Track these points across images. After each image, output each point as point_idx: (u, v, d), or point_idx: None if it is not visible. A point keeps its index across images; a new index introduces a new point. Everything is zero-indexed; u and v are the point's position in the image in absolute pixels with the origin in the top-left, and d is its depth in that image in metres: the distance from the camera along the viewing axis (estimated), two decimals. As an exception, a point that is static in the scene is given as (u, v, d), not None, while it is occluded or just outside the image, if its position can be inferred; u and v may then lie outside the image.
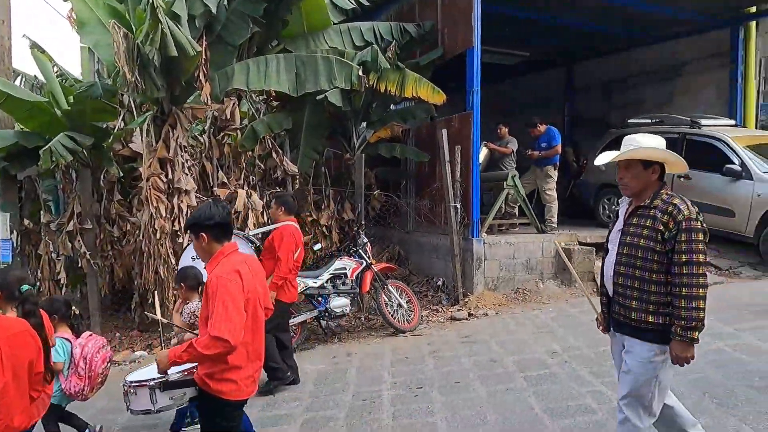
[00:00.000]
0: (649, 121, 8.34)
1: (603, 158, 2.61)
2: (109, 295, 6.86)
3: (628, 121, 8.75)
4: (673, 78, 10.02)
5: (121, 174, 6.53)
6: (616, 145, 8.50)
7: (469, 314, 6.14)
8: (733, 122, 8.04)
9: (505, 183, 7.06)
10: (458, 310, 6.30)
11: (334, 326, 5.88)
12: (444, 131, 6.70)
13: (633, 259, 2.41)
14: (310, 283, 5.54)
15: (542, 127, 7.38)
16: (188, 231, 2.59)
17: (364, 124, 7.74)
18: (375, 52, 6.55)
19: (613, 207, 8.39)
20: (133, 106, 6.25)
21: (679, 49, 9.73)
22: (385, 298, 5.81)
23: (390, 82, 6.66)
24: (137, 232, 5.95)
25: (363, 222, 6.88)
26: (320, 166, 7.63)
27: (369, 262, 5.85)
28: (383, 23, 7.63)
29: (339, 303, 5.60)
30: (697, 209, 2.36)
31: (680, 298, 2.28)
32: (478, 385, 4.12)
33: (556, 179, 7.36)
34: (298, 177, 6.95)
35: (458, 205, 6.59)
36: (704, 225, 2.35)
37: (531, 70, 11.85)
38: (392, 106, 8.34)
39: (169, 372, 2.47)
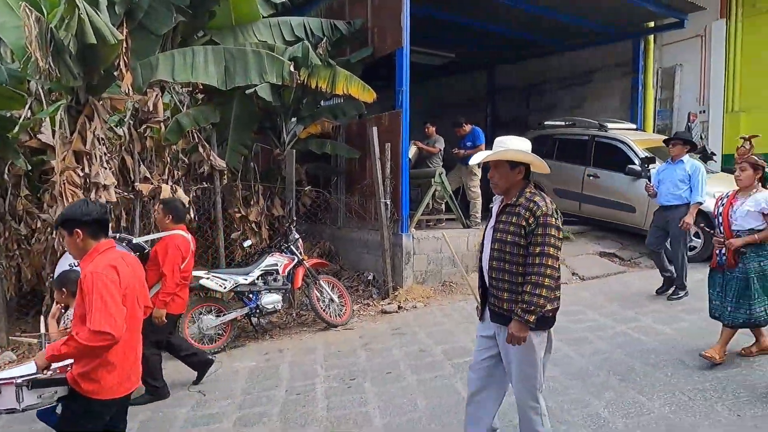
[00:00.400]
0: (562, 123, 8.97)
1: (476, 158, 2.81)
2: (16, 298, 6.36)
3: (544, 123, 9.37)
4: (584, 84, 10.83)
5: (29, 167, 6.06)
6: (534, 145, 9.02)
7: (399, 307, 6.33)
8: (634, 126, 8.85)
9: (432, 180, 7.32)
10: (388, 303, 6.47)
11: (265, 323, 5.84)
12: (374, 129, 6.83)
13: (503, 253, 2.58)
14: (241, 280, 5.47)
15: (467, 127, 7.72)
16: (61, 227, 2.45)
17: (294, 119, 7.70)
18: (306, 48, 6.54)
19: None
20: (41, 94, 5.82)
21: (590, 57, 10.53)
22: (317, 294, 5.85)
23: (321, 78, 6.68)
24: (48, 229, 5.56)
25: (294, 218, 6.86)
26: (249, 161, 7.50)
27: (301, 258, 5.87)
28: (314, 19, 7.62)
29: (270, 299, 5.58)
30: (554, 207, 2.57)
31: (527, 284, 2.49)
32: (409, 374, 4.30)
33: (480, 177, 7.73)
34: (226, 172, 6.80)
35: (388, 201, 6.76)
36: (558, 222, 2.54)
37: (458, 71, 12.29)
38: (323, 103, 8.36)
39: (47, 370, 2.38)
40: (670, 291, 5.68)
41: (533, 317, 2.47)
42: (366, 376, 4.36)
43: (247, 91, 6.51)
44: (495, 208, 2.73)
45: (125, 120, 6.25)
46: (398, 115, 6.83)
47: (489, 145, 8.41)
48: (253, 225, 7.05)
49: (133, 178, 6.08)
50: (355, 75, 6.97)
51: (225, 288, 5.38)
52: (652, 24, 9.32)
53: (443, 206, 7.89)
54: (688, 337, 4.47)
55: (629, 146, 7.62)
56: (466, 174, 7.76)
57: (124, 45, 5.36)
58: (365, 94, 6.88)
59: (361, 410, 3.74)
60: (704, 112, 11.46)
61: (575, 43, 10.26)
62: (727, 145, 11.20)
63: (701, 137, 10.92)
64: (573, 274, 6.99)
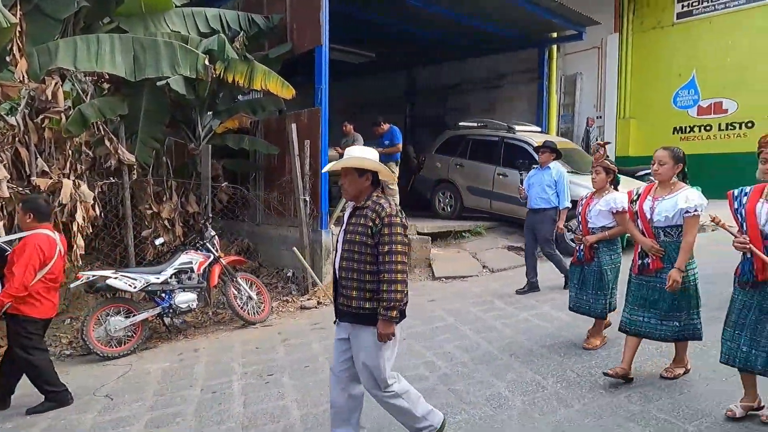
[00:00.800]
0: (475, 124, 9.46)
1: (328, 166, 3.00)
2: None
3: (459, 123, 9.82)
4: (496, 87, 11.47)
5: None
6: (449, 145, 9.47)
7: (319, 302, 6.40)
8: (539, 129, 9.51)
9: (352, 177, 7.44)
10: (308, 299, 6.52)
11: (180, 323, 5.67)
12: (293, 125, 6.83)
13: (352, 253, 2.71)
14: (152, 279, 5.28)
15: (385, 126, 7.93)
16: None
17: (210, 113, 7.50)
18: (222, 41, 6.40)
19: (447, 200, 9.41)
20: None
21: (501, 63, 11.17)
22: (235, 291, 5.78)
23: (238, 73, 6.57)
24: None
25: (210, 215, 6.71)
26: (161, 155, 7.20)
27: (217, 255, 5.76)
28: (230, 11, 7.45)
29: (184, 298, 5.43)
30: (399, 208, 2.76)
31: (383, 283, 2.63)
32: (327, 367, 4.37)
33: (398, 174, 7.97)
34: (135, 167, 6.49)
35: (307, 198, 6.80)
36: (404, 220, 2.72)
37: (379, 71, 12.52)
38: (240, 97, 8.20)
39: None
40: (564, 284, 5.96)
41: (395, 312, 2.63)
42: (284, 371, 4.40)
43: (158, 83, 6.26)
44: (346, 213, 2.87)
45: (19, 109, 5.78)
46: (317, 113, 6.87)
47: (405, 143, 8.49)
48: (166, 222, 6.79)
49: (29, 171, 5.65)
50: (274, 70, 6.92)
51: (135, 288, 5.18)
52: (555, 34, 10.05)
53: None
54: (581, 321, 4.93)
55: (534, 147, 8.19)
56: (384, 171, 7.96)
57: (18, 29, 4.97)
58: (284, 90, 6.86)
59: (279, 404, 3.79)
60: (600, 117, 12.58)
61: (488, 48, 10.84)
62: (620, 148, 12.37)
63: (597, 140, 11.97)
64: (483, 267, 7.42)
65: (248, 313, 5.81)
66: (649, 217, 3.49)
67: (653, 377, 3.67)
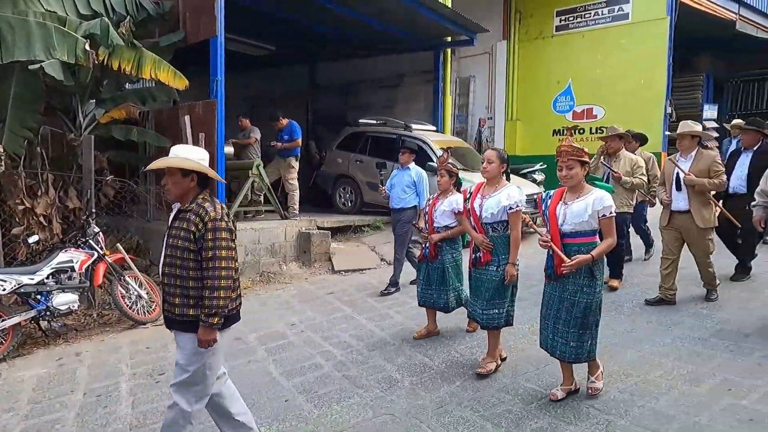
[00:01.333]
0: (375, 122, 9.72)
1: (150, 165, 2.88)
2: None
3: (360, 120, 10.04)
4: (395, 86, 11.84)
5: None
6: (349, 141, 9.65)
7: (216, 299, 6.26)
8: (435, 128, 10.00)
9: (250, 172, 7.35)
10: (204, 296, 6.35)
11: (59, 326, 5.28)
12: (187, 117, 6.60)
13: (174, 258, 2.62)
14: (25, 280, 4.87)
15: (284, 121, 7.91)
16: None
17: (92, 101, 6.98)
18: (106, 25, 6.00)
19: (348, 196, 9.59)
20: None
21: (401, 63, 11.54)
22: (122, 291, 5.49)
23: (124, 60, 6.20)
24: None
25: (93, 210, 6.26)
26: (35, 146, 6.58)
27: (102, 253, 5.43)
28: (115, -6, 6.98)
29: (64, 300, 5.06)
30: (225, 211, 2.66)
31: (205, 290, 2.57)
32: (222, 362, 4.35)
33: (298, 169, 7.99)
34: (3, 158, 5.88)
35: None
36: (230, 224, 2.65)
37: (279, 64, 12.36)
38: (128, 85, 7.72)
39: None
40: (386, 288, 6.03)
41: (217, 319, 2.57)
42: (176, 369, 4.30)
43: (30, 67, 5.72)
44: (171, 215, 2.77)
45: None
46: (213, 105, 6.69)
47: (306, 138, 8.50)
48: (41, 218, 6.23)
49: None
50: (165, 59, 6.62)
51: (4, 290, 4.74)
52: (449, 39, 10.60)
53: (261, 198, 7.96)
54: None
55: (429, 145, 8.64)
56: (284, 166, 7.95)
57: None
58: (177, 80, 6.58)
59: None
60: (491, 118, 13.50)
61: (388, 48, 11.15)
62: (508, 147, 13.33)
63: (487, 140, 12.86)
64: (382, 259, 7.69)
65: (138, 313, 5.55)
66: (478, 213, 3.75)
67: (522, 353, 4.11)
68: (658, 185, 5.18)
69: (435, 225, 4.48)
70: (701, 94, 15.14)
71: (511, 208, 3.64)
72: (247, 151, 7.93)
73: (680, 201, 4.80)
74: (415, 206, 6.03)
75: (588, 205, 3.14)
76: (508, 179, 3.87)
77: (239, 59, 9.68)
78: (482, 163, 3.77)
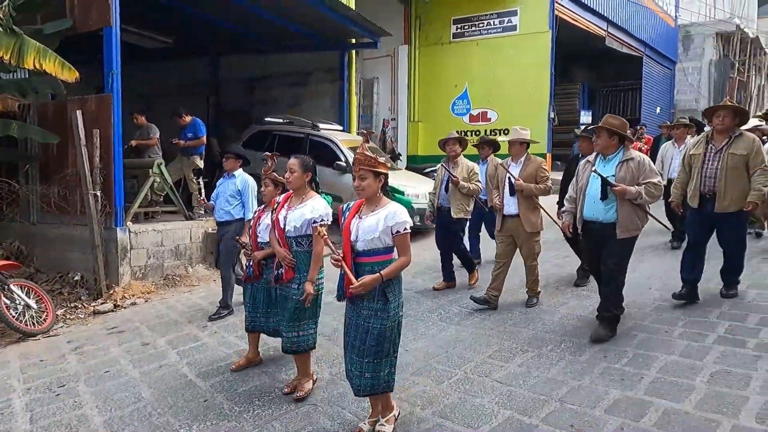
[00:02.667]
0: (282, 120, 9.68)
1: None
2: None
3: (266, 119, 9.93)
4: (302, 84, 11.84)
5: None
6: (255, 139, 9.52)
7: (116, 306, 5.92)
8: (341, 127, 10.18)
9: (151, 171, 7.00)
10: (102, 303, 5.98)
11: (-72, 344, 4.69)
12: (78, 112, 6.15)
13: None
14: None
15: (188, 118, 7.62)
16: None
17: (-39, 92, 6.23)
18: (-22, 7, 5.41)
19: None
20: None
21: (307, 61, 11.55)
22: (6, 301, 5.01)
23: (3, 48, 5.62)
24: None
25: (-34, 213, 5.63)
26: None
27: (-20, 260, 4.91)
28: (-12, -27, 6.29)
29: (-65, 314, 4.51)
30: None
31: None
32: (131, 369, 4.18)
33: (202, 168, 7.74)
34: None
35: (98, 193, 6.19)
36: None
37: (179, 57, 11.78)
38: (3, 75, 6.98)
39: None
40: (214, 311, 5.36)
41: None
42: (79, 379, 4.05)
43: None
44: None
45: None
46: (108, 100, 6.29)
47: (210, 136, 8.31)
48: None
49: None
50: (51, 48, 6.09)
51: None
52: (354, 40, 10.83)
53: (163, 198, 7.61)
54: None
55: (337, 145, 8.80)
56: (187, 165, 7.66)
57: None
58: (65, 72, 6.08)
59: (76, 413, 3.51)
60: (395, 119, 13.98)
61: (294, 45, 11.12)
62: (410, 148, 13.91)
63: (391, 140, 13.30)
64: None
65: (26, 324, 5.09)
66: (282, 226, 3.41)
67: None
68: (494, 189, 5.14)
69: (259, 240, 3.94)
70: (578, 101, 16.91)
71: (315, 222, 3.28)
72: (148, 151, 7.52)
73: (511, 206, 4.92)
74: (241, 218, 5.18)
75: (380, 220, 2.78)
76: (317, 189, 3.52)
77: (134, 51, 9.12)
78: (285, 173, 3.43)
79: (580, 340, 4.14)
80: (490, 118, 13.13)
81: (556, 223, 5.04)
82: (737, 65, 19.65)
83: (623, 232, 3.97)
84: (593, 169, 4.09)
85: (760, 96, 21.66)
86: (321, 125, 9.28)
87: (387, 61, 13.76)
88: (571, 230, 4.37)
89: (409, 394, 3.49)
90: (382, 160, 2.83)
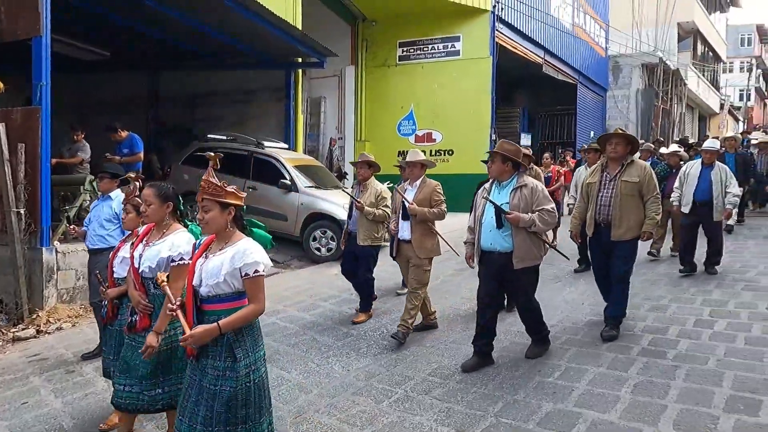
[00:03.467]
0: (224, 138, 9.51)
1: None
2: None
3: (208, 135, 9.73)
4: (247, 102, 11.70)
5: None
6: (197, 156, 9.24)
7: (38, 331, 5.55)
8: (287, 146, 10.11)
9: (82, 188, 6.67)
10: (23, 329, 5.58)
11: None
12: (2, 126, 5.79)
13: None
14: None
15: (123, 133, 7.34)
16: None
17: None
18: None
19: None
20: None
21: (252, 78, 11.45)
22: None
23: None
24: None
25: None
26: None
27: None
28: None
29: None
30: None
31: None
32: (52, 399, 3.91)
33: (139, 186, 7.44)
34: None
35: (22, 211, 5.83)
36: None
37: (116, 70, 11.38)
38: None
39: None
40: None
41: None
42: (-8, 412, 3.74)
43: None
44: None
45: None
46: (36, 113, 5.97)
47: (149, 152, 8.07)
48: None
49: None
50: (-28, 57, 5.75)
51: None
52: (300, 59, 10.86)
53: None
54: (323, 318, 5.53)
55: (282, 163, 8.73)
56: (123, 182, 7.35)
57: None
58: (-11, 82, 5.76)
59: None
60: (342, 138, 14.04)
61: (239, 63, 11.01)
62: (358, 166, 13.95)
63: (338, 159, 13.34)
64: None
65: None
66: (137, 265, 2.93)
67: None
68: (391, 213, 5.03)
69: (116, 276, 3.31)
70: (519, 124, 17.63)
71: (173, 261, 2.80)
72: (75, 168, 7.18)
73: (405, 230, 4.70)
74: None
75: (225, 261, 2.36)
76: (182, 221, 3.06)
77: (68, 63, 8.75)
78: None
79: (516, 355, 4.26)
80: (435, 139, 13.45)
81: (452, 249, 5.13)
82: (661, 94, 21.19)
83: (520, 261, 3.84)
84: (484, 196, 3.98)
85: (681, 123, 23.42)
86: (266, 143, 9.19)
87: (334, 80, 13.85)
88: (472, 262, 4.18)
89: (348, 414, 3.47)
90: (231, 189, 2.43)
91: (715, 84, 30.63)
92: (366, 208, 5.15)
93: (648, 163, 4.74)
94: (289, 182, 8.46)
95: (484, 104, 12.91)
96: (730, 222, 8.56)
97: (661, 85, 21.12)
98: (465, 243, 4.29)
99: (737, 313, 4.90)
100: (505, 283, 4.04)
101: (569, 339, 4.51)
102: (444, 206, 4.72)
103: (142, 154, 7.42)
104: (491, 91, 12.90)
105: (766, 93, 46.30)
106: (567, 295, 5.85)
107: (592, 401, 3.39)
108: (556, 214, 3.97)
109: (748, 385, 3.47)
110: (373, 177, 5.44)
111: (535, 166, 6.77)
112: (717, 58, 30.90)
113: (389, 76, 13.83)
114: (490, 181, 4.13)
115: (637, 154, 4.99)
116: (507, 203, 3.88)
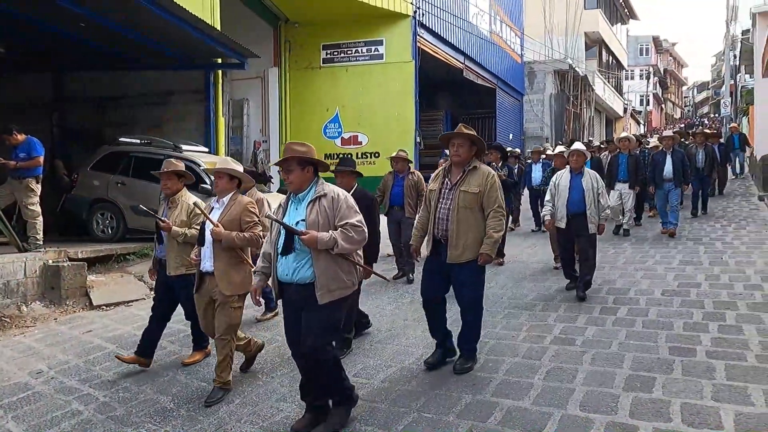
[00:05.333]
0: (138, 141, 9.02)
1: None
2: None
3: (120, 139, 9.18)
4: (163, 104, 11.13)
5: None
6: (108, 161, 8.76)
7: None
8: (207, 150, 9.74)
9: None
10: None
11: None
12: None
13: None
14: None
15: (20, 137, 6.75)
16: None
17: None
18: None
19: (108, 222, 8.61)
20: None
21: (170, 79, 10.91)
22: None
23: None
24: None
25: None
26: None
27: None
28: None
29: None
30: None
31: None
32: None
33: (39, 192, 6.88)
34: None
35: None
36: None
37: (13, 69, 10.44)
38: None
39: None
40: None
41: None
42: None
43: None
44: None
45: None
46: None
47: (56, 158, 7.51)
48: None
49: None
50: None
51: None
52: (220, 60, 10.51)
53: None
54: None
55: (201, 167, 8.39)
56: (20, 189, 6.75)
57: None
58: None
59: None
60: (266, 141, 13.76)
61: (154, 63, 10.46)
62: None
63: (263, 162, 13.06)
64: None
65: None
66: None
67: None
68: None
69: None
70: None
71: None
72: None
73: (206, 260, 3.69)
74: None
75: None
76: None
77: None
78: None
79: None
80: (361, 142, 13.53)
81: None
82: (572, 99, 22.65)
83: (326, 294, 2.98)
84: (267, 214, 3.28)
85: (591, 125, 25.16)
86: (184, 147, 8.80)
87: (257, 82, 13.56)
88: (258, 298, 3.29)
89: (272, 422, 3.41)
90: None
91: (619, 90, 33.21)
92: (174, 228, 4.01)
93: (492, 171, 3.83)
94: (209, 187, 8.15)
95: (409, 107, 13.16)
96: (625, 226, 8.88)
97: (571, 90, 22.59)
98: (254, 272, 3.31)
99: (636, 300, 5.34)
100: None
101: (489, 332, 4.70)
102: (258, 228, 3.72)
103: (41, 159, 6.85)
104: (415, 94, 13.18)
105: (662, 98, 50.87)
106: (487, 290, 6.09)
107: (508, 390, 3.56)
108: (364, 228, 3.07)
109: (644, 365, 3.79)
110: (185, 189, 4.30)
111: (416, 171, 7.12)
112: (620, 65, 33.52)
113: (314, 78, 13.75)
114: (288, 194, 3.21)
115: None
116: (303, 220, 3.03)
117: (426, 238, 3.95)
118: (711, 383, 3.44)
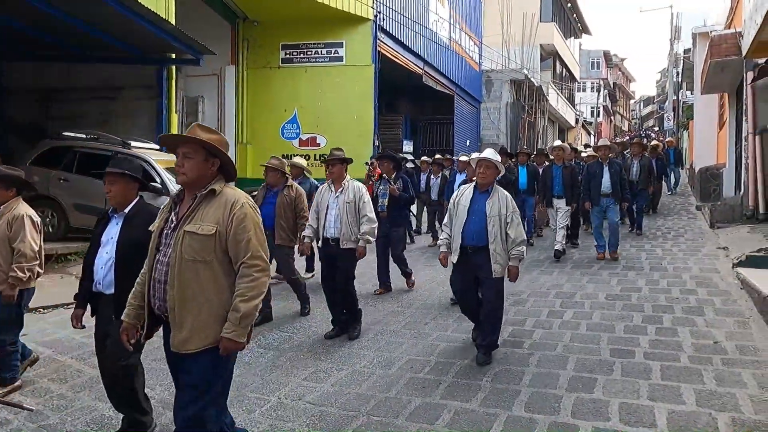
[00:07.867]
0: (84, 136, 8.64)
1: None
2: None
3: (64, 133, 8.76)
4: (113, 99, 10.70)
5: None
6: (49, 156, 8.33)
7: None
8: (158, 147, 9.43)
9: None
10: None
11: None
12: None
13: None
14: None
15: (-48, 128, 6.34)
16: None
17: None
18: None
19: (48, 220, 8.18)
20: None
21: (119, 73, 10.50)
22: None
23: None
24: None
25: None
26: None
27: None
28: None
29: None
30: None
31: None
32: None
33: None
34: None
35: None
36: None
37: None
38: None
39: None
40: None
41: None
42: None
43: None
44: None
45: None
46: None
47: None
48: None
49: None
50: None
51: None
52: (174, 55, 10.21)
53: None
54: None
55: (151, 164, 8.11)
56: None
57: None
58: None
59: None
60: (222, 140, 13.46)
61: (103, 56, 10.04)
62: (239, 170, 13.47)
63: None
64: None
65: None
66: None
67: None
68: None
69: None
70: (401, 131, 18.27)
71: None
72: None
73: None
74: None
75: None
76: None
77: None
78: None
79: (391, 354, 4.39)
80: (320, 144, 13.44)
81: None
82: (527, 108, 23.29)
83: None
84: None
85: (544, 134, 25.94)
86: (133, 143, 8.48)
87: (213, 80, 13.26)
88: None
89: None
90: None
91: (571, 101, 34.42)
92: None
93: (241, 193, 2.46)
94: (159, 185, 7.90)
95: (368, 111, 13.18)
96: (557, 247, 7.72)
97: (526, 100, 23.22)
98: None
99: (582, 303, 5.54)
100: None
101: (441, 335, 4.75)
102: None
103: (-24, 153, 6.45)
104: (374, 98, 13.21)
105: (611, 110, 53.13)
106: (443, 292, 6.16)
107: (457, 392, 3.61)
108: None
109: (587, 366, 3.93)
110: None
111: (294, 184, 5.81)
112: (572, 77, 34.76)
113: (272, 78, 13.56)
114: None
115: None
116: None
117: None
118: (647, 383, 3.61)
